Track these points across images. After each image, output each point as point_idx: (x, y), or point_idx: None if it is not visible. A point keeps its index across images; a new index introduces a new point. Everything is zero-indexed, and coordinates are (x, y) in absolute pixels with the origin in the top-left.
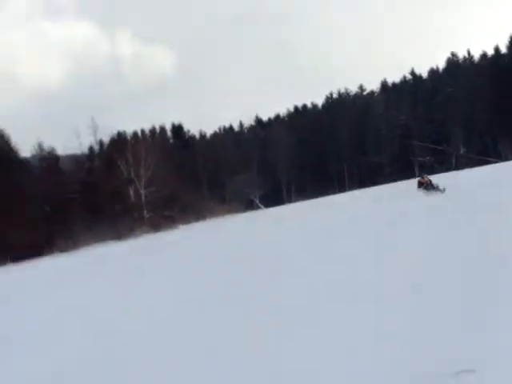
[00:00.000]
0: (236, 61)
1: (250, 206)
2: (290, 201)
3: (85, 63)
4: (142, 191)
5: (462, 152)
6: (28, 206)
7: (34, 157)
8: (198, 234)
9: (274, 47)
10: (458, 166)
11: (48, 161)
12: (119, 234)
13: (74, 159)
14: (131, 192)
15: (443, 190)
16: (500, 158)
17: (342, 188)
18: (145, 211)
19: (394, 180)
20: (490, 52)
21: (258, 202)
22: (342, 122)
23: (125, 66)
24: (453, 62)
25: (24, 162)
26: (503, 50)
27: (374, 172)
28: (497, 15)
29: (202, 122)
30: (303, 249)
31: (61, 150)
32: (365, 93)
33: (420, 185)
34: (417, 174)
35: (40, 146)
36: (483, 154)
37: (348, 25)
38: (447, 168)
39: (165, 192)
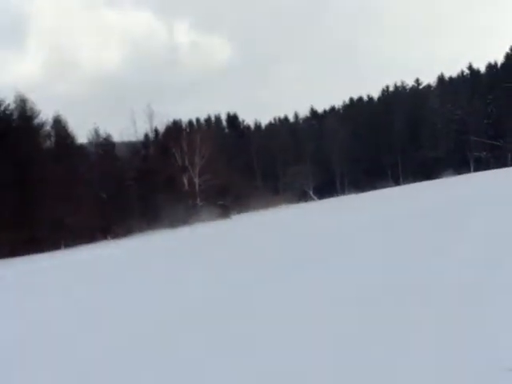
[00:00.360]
0: (292, 52)
1: (303, 197)
2: (343, 193)
3: (143, 51)
4: (196, 180)
5: None
6: (85, 192)
7: (90, 143)
8: (250, 224)
9: (330, 39)
10: None
11: (104, 147)
12: (173, 222)
13: (130, 146)
14: (185, 180)
15: None
16: None
17: (396, 181)
18: (198, 199)
19: (449, 175)
20: None
21: (311, 193)
22: (398, 116)
23: (182, 55)
24: (511, 58)
25: (81, 148)
26: None
27: (428, 166)
28: None
29: (257, 112)
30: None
31: (117, 137)
32: (421, 86)
33: None
34: (472, 169)
35: (96, 132)
36: None
37: (406, 17)
38: (503, 164)
39: (218, 181)
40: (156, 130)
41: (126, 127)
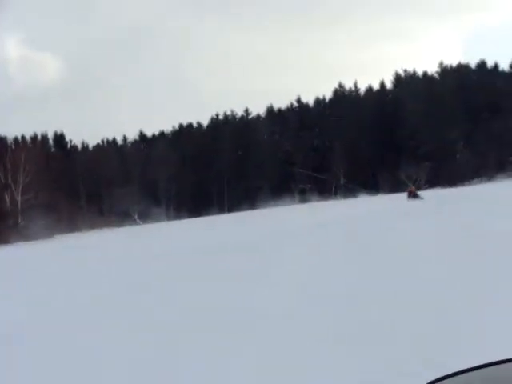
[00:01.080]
0: (123, 74)
1: (128, 220)
2: (168, 218)
3: None
4: (19, 198)
5: (342, 182)
6: None
7: None
8: (68, 246)
9: (161, 63)
10: (337, 196)
11: None
12: None
13: None
14: (7, 198)
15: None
16: (377, 190)
17: (221, 209)
18: (20, 219)
19: (275, 205)
20: (376, 86)
21: (136, 217)
22: (226, 144)
23: (10, 70)
24: (339, 93)
25: None
26: (388, 85)
27: (253, 196)
28: (382, 51)
29: (85, 133)
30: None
31: None
32: (250, 116)
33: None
34: (297, 200)
35: None
36: (362, 185)
37: (240, 46)
38: (327, 196)
39: (42, 201)
40: None
41: None
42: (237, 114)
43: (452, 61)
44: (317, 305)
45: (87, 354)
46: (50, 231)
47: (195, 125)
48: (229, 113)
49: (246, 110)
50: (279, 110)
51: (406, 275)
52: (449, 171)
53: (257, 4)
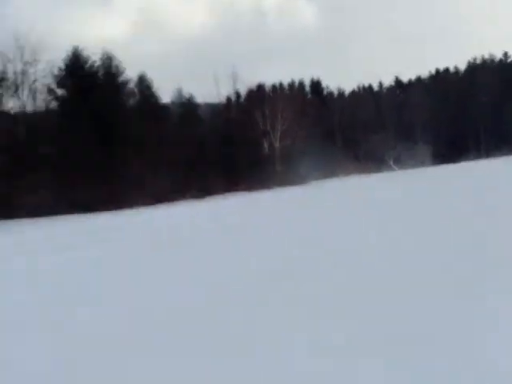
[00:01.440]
0: (379, 19)
1: (383, 166)
2: (423, 164)
3: (229, 14)
4: (277, 145)
5: None
6: (168, 152)
7: (173, 103)
8: (331, 191)
9: (419, 8)
10: None
11: (187, 108)
12: (250, 186)
13: (212, 108)
14: (266, 145)
15: None
16: None
17: (478, 155)
18: (277, 164)
19: None
20: None
21: (391, 163)
22: (484, 89)
23: (268, 19)
24: None
25: (165, 108)
26: None
27: (511, 140)
28: None
29: (341, 79)
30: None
31: (199, 98)
32: (509, 60)
33: None
34: None
35: (179, 93)
36: None
37: None
38: None
39: (298, 147)
40: (238, 93)
41: (209, 89)
42: (495, 57)
43: None
44: None
45: None
46: (306, 177)
47: (452, 69)
48: (487, 57)
49: (505, 54)
50: None
51: None
52: None
53: None
